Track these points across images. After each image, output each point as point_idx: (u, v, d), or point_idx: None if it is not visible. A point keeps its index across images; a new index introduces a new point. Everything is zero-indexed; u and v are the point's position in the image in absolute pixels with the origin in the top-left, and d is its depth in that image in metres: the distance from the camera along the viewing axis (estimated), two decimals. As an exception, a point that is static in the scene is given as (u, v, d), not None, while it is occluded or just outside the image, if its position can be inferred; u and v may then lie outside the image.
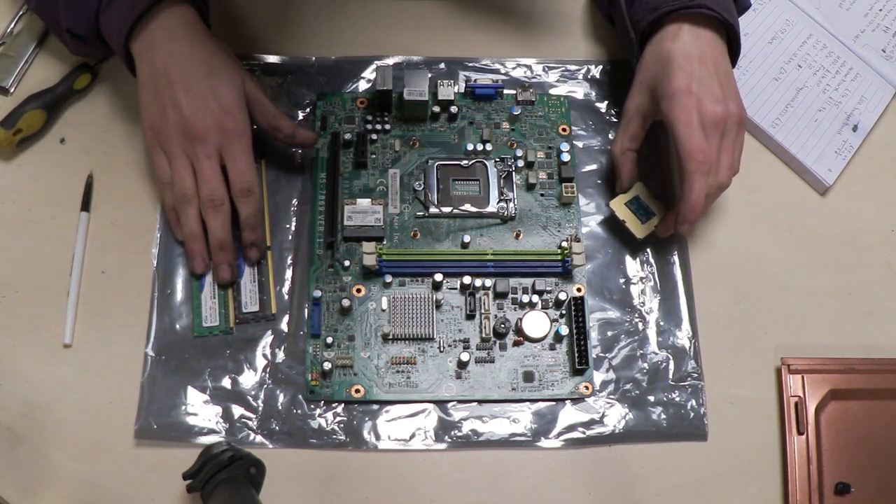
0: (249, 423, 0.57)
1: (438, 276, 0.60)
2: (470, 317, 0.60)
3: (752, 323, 0.62)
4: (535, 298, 0.60)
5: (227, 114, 0.57)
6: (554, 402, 0.59)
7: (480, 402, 0.58)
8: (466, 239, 0.61)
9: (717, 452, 0.58)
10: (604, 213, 0.64)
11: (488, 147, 0.64)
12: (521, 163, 0.64)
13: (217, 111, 0.56)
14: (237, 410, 0.57)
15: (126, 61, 0.59)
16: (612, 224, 0.63)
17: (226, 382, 0.58)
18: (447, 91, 0.65)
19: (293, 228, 0.62)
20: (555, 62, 0.69)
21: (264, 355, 0.59)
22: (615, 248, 0.63)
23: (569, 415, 0.58)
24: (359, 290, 0.60)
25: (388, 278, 0.60)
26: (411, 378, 0.58)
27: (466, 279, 0.60)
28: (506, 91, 0.67)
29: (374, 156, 0.64)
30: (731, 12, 0.60)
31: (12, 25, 0.67)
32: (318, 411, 0.57)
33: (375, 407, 0.58)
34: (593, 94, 0.68)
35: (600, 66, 0.69)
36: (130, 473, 0.56)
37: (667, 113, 0.57)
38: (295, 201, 0.63)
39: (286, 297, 0.60)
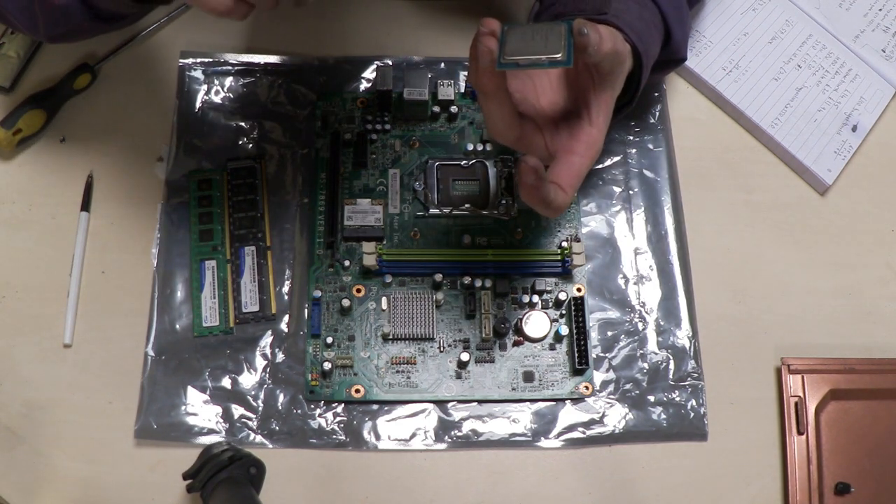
0: (249, 423, 0.57)
1: (438, 277, 0.59)
2: (470, 317, 0.60)
3: (752, 323, 0.62)
4: (535, 298, 0.60)
5: None
6: (554, 402, 0.59)
7: (480, 402, 0.58)
8: (466, 239, 0.61)
9: (717, 452, 0.58)
10: (604, 212, 0.64)
11: (488, 147, 0.64)
12: (521, 163, 0.64)
13: None
14: (237, 410, 0.57)
15: None
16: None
17: (226, 382, 0.58)
18: (447, 91, 0.65)
19: (293, 228, 0.62)
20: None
21: (264, 355, 0.59)
22: (615, 248, 0.63)
23: (569, 415, 0.58)
24: (359, 290, 0.60)
25: (388, 278, 0.60)
26: (411, 378, 0.58)
27: (466, 279, 0.60)
28: (506, 91, 0.67)
29: (374, 156, 0.64)
30: (643, 39, 0.52)
31: (12, 25, 0.67)
32: (318, 411, 0.57)
33: (375, 407, 0.58)
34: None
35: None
36: (130, 473, 0.56)
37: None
38: (295, 201, 0.63)
39: (286, 297, 0.60)
